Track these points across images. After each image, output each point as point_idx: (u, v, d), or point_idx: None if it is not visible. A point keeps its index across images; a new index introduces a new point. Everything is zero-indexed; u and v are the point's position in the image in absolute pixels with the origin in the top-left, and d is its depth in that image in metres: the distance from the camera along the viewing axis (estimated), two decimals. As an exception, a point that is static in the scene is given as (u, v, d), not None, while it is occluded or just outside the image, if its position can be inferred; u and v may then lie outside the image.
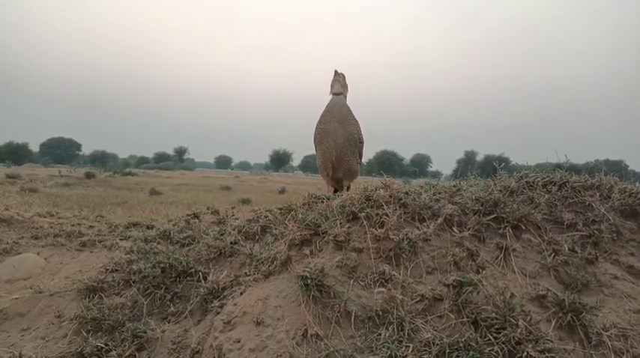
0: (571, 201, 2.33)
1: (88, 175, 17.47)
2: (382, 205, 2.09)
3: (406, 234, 1.90)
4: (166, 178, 23.16)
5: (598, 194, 2.35)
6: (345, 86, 2.99)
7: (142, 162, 74.85)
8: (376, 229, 1.94)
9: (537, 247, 2.00)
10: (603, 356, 1.53)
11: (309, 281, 1.66)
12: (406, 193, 2.27)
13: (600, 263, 1.96)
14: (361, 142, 2.89)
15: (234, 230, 2.54)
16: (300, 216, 2.21)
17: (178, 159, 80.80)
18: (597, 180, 2.46)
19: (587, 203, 2.25)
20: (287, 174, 54.70)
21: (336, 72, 3.03)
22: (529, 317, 1.50)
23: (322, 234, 2.08)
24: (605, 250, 2.04)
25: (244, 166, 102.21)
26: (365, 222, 2.00)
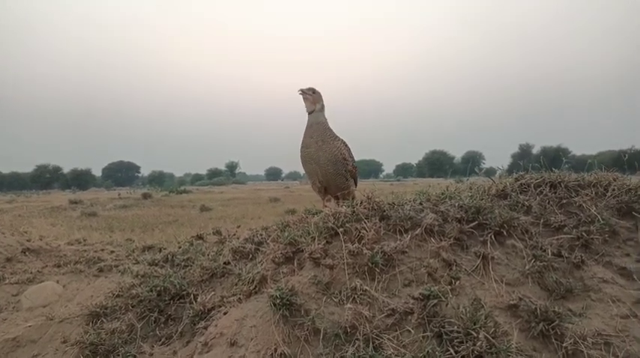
0: (565, 201, 2.24)
1: (145, 196, 18.40)
2: (362, 219, 2.09)
3: (381, 248, 1.89)
4: (218, 194, 23.91)
5: (594, 192, 2.25)
6: (315, 102, 2.89)
7: (196, 179, 77.65)
8: (352, 244, 1.94)
9: (521, 253, 1.94)
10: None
11: (277, 300, 1.68)
12: (392, 204, 2.26)
13: (590, 266, 1.87)
14: (345, 159, 2.81)
15: (229, 250, 2.59)
16: (286, 234, 2.24)
17: (230, 174, 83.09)
18: (594, 177, 2.36)
19: (578, 203, 2.16)
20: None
21: (301, 91, 2.92)
22: (493, 329, 1.46)
23: (304, 251, 2.10)
24: (597, 252, 1.94)
25: (294, 176, 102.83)
26: (342, 238, 2.01)
